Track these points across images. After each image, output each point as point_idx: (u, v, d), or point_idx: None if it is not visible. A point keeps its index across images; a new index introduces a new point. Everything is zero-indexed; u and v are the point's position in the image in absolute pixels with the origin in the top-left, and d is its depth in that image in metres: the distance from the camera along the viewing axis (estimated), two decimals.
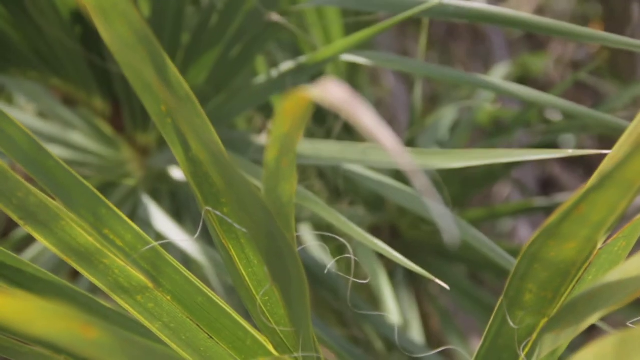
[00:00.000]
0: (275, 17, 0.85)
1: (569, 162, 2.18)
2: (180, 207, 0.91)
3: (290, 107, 0.39)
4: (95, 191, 0.54)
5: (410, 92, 1.66)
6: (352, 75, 1.14)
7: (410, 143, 1.10)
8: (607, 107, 1.17)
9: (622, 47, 0.75)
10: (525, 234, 1.79)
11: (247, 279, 0.56)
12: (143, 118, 0.90)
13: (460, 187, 1.15)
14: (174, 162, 0.86)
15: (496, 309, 0.53)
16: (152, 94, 0.49)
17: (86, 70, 0.88)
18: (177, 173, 0.86)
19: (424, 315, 1.04)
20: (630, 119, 0.54)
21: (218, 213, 0.54)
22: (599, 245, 0.53)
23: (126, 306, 0.54)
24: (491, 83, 0.91)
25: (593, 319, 0.48)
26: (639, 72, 2.05)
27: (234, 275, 0.56)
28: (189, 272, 0.56)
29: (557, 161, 2.09)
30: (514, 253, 0.63)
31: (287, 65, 0.88)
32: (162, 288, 0.55)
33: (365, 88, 1.19)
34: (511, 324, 0.53)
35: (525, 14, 0.78)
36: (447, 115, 1.24)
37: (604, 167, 0.50)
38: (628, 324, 0.56)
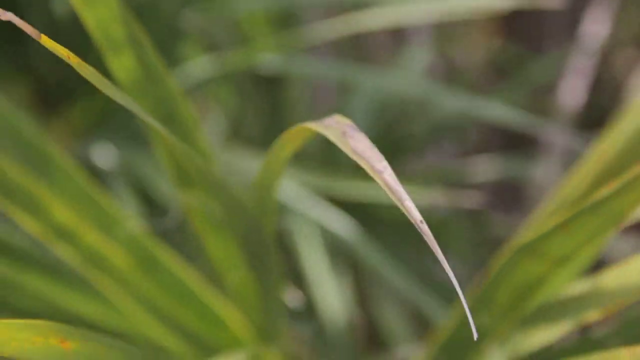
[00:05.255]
0: None
1: None
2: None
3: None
4: (78, 167, 0.54)
5: None
6: None
7: None
8: None
9: None
10: None
11: (220, 264, 0.56)
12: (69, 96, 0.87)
13: None
14: (104, 145, 0.82)
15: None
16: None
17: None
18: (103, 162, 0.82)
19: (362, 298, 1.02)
20: None
21: (195, 201, 0.53)
22: None
23: (106, 286, 0.54)
24: None
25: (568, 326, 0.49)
26: None
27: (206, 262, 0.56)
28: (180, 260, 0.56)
29: None
30: None
31: None
32: (148, 271, 0.55)
33: None
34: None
35: None
36: None
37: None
38: None
